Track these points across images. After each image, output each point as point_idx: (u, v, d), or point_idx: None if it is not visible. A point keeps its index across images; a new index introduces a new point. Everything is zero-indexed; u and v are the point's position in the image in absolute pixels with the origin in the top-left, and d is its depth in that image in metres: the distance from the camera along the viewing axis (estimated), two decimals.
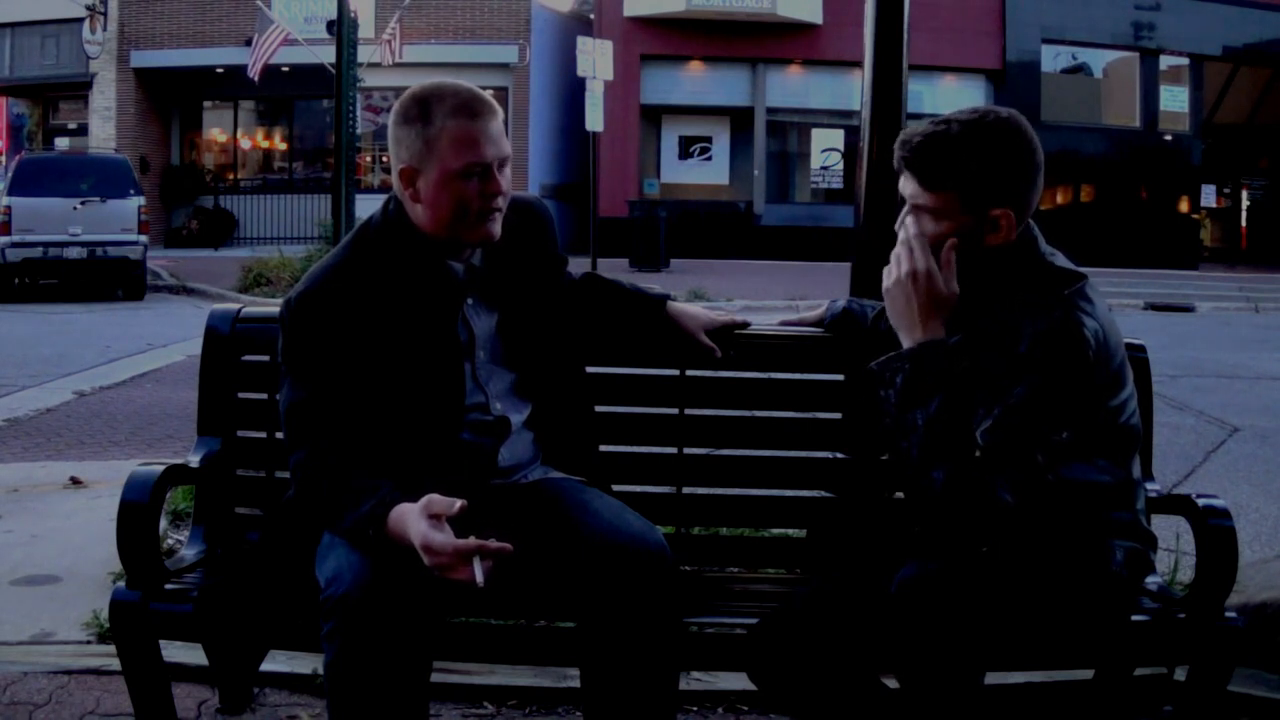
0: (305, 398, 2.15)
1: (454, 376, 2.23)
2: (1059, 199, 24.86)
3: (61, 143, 18.42)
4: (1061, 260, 2.11)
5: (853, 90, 20.43)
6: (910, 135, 2.07)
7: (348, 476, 2.09)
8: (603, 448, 2.53)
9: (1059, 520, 2.04)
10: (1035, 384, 1.95)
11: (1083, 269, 2.10)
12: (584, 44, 17.33)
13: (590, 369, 2.55)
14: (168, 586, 2.29)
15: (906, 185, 2.08)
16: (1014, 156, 2.04)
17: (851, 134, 21.75)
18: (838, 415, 2.68)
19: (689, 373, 2.65)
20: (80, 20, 22.22)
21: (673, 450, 2.67)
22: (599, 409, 2.56)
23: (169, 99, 24.12)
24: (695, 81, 23.65)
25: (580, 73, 17.17)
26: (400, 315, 2.18)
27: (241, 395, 2.65)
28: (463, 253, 2.25)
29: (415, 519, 1.96)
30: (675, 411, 2.68)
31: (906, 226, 2.09)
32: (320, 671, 2.15)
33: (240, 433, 2.63)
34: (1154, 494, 2.42)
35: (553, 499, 2.26)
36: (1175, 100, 25.30)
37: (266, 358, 2.61)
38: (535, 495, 2.30)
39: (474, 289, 2.28)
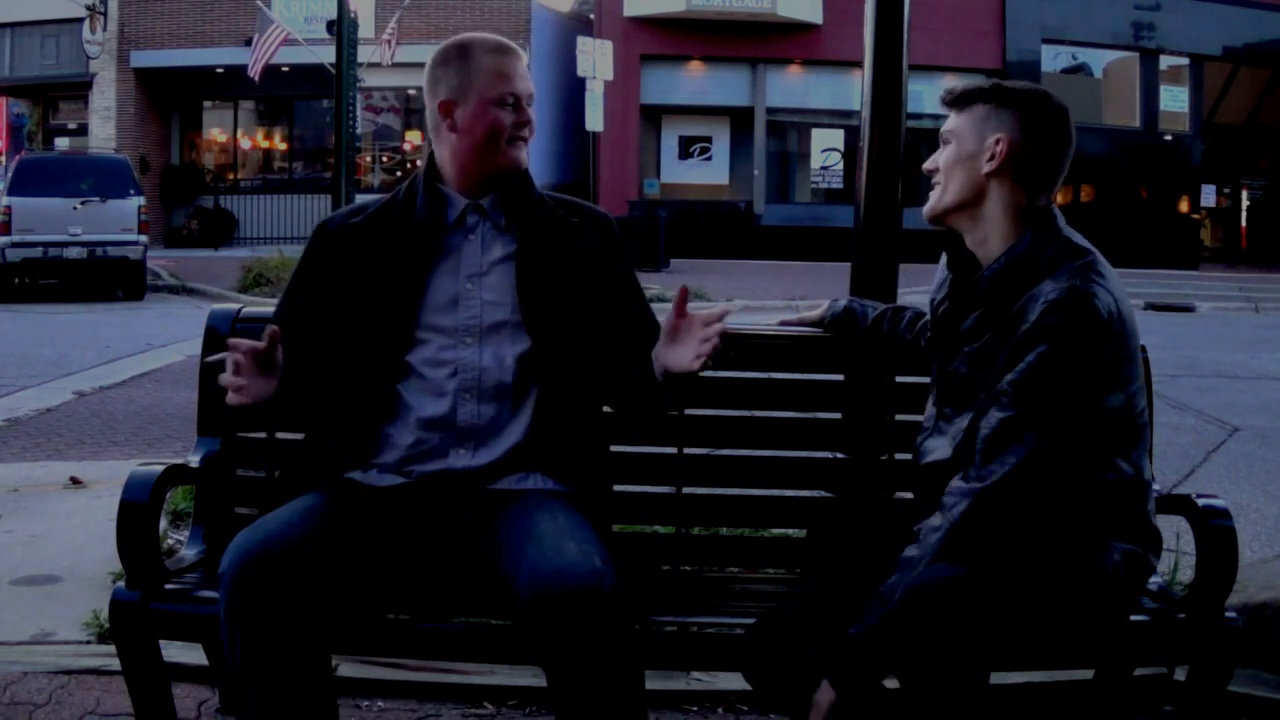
0: (279, 312, 2.37)
1: (402, 325, 2.31)
2: (1059, 199, 24.82)
3: (61, 143, 18.45)
4: (1077, 237, 2.15)
5: (853, 90, 20.47)
6: None
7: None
8: None
9: (1059, 520, 2.04)
10: (1044, 353, 1.98)
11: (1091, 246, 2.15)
12: (584, 44, 17.34)
13: None
14: (168, 586, 2.29)
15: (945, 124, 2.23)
16: (1037, 108, 2.16)
17: (851, 134, 21.75)
18: (838, 415, 2.68)
19: None
20: (80, 20, 22.22)
21: (673, 450, 2.67)
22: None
23: (169, 99, 24.12)
24: (695, 81, 23.63)
25: (580, 73, 17.18)
26: (389, 261, 2.31)
27: None
28: (482, 192, 2.36)
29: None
30: (675, 411, 2.67)
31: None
32: None
33: (240, 433, 2.63)
34: (1154, 494, 2.41)
35: (500, 525, 2.19)
36: (1175, 100, 25.28)
37: None
38: (491, 510, 2.23)
39: (502, 244, 2.36)
